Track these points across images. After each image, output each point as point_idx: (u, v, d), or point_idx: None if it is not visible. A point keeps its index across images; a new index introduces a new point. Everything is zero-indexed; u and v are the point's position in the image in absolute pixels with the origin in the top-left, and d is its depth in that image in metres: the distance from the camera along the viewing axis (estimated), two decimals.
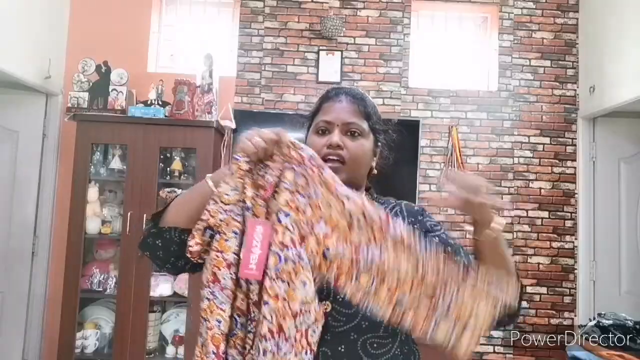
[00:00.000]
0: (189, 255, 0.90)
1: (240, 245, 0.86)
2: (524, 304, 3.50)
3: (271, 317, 0.82)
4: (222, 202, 0.88)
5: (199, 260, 0.91)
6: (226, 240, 0.87)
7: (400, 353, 0.96)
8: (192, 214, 0.92)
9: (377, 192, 1.16)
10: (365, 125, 1.05)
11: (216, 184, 0.90)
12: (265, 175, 0.87)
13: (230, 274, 0.87)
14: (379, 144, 1.11)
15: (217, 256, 0.87)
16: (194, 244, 0.89)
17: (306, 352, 0.84)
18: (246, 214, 0.87)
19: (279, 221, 0.84)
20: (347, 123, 1.02)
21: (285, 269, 0.82)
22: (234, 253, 0.87)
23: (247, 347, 0.88)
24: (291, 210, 0.84)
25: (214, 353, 0.86)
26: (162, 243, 0.97)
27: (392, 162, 1.15)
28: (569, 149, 3.61)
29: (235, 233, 0.88)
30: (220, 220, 0.88)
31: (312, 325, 0.85)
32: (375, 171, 1.10)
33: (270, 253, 0.83)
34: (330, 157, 0.99)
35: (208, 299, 0.87)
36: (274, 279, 0.82)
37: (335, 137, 1.00)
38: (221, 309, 0.86)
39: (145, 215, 2.96)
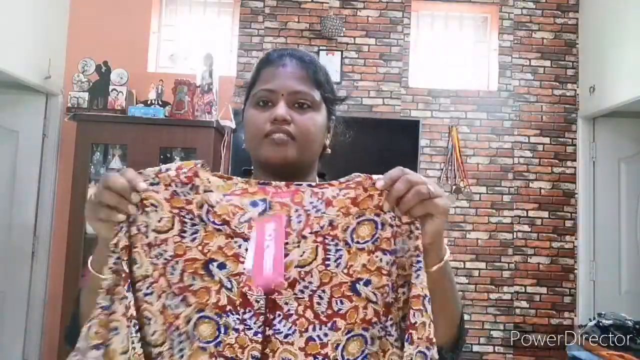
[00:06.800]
0: None
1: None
2: (524, 303, 3.50)
3: None
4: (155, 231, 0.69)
5: None
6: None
7: None
8: None
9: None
10: (316, 94, 0.84)
11: (100, 268, 0.70)
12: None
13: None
14: (333, 117, 0.91)
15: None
16: None
17: None
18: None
19: (357, 293, 0.68)
20: (294, 92, 0.83)
21: (372, 351, 0.68)
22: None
23: None
24: (372, 276, 0.68)
25: None
26: None
27: (350, 140, 0.94)
28: (569, 149, 3.61)
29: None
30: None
31: None
32: (328, 150, 0.92)
33: (352, 336, 0.68)
34: (276, 134, 0.81)
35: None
36: None
37: (281, 109, 0.81)
38: None
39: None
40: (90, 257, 0.75)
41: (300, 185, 0.70)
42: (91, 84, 3.22)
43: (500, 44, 3.68)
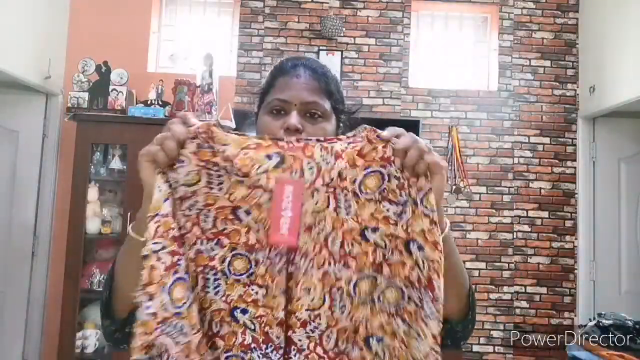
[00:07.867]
0: None
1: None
2: (524, 303, 3.50)
3: (383, 354, 0.71)
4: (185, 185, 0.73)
5: None
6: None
7: None
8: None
9: None
10: (327, 105, 0.90)
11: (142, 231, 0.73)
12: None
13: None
14: (341, 125, 0.96)
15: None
16: None
17: None
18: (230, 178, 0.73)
19: (365, 239, 0.73)
20: (307, 103, 0.87)
21: (408, 309, 0.71)
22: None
23: None
24: (379, 224, 0.73)
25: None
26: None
27: None
28: (569, 149, 3.61)
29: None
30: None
31: None
32: None
33: (364, 277, 0.73)
34: None
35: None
36: (393, 315, 0.72)
37: (293, 119, 0.85)
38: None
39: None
40: (131, 225, 0.79)
41: (310, 140, 0.74)
42: (91, 84, 3.22)
43: (500, 44, 3.68)
